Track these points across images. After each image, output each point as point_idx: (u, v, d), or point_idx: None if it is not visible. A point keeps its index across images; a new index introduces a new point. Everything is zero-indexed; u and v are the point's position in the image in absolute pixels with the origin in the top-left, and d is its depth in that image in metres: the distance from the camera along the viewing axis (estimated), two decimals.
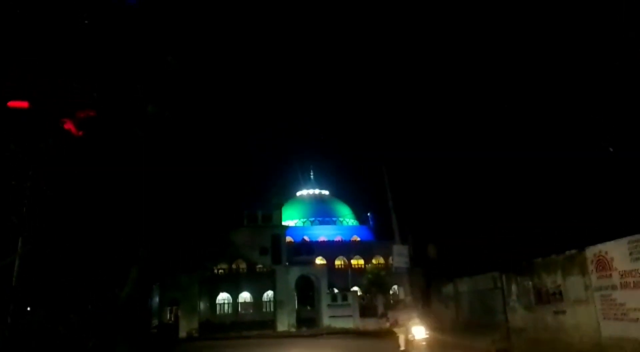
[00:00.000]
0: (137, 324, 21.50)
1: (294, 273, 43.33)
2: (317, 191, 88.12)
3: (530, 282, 15.82)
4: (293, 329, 41.32)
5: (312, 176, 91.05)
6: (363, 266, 67.79)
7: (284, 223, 45.89)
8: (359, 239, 76.20)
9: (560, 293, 14.11)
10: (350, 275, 61.05)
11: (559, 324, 14.14)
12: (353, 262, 68.67)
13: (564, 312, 13.93)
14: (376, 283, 44.86)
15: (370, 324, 41.16)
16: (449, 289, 24.31)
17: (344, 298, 43.07)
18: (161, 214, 23.27)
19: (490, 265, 20.09)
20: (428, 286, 28.01)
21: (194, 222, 34.09)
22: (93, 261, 17.49)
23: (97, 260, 17.55)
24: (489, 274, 19.39)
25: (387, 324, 39.27)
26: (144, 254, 17.45)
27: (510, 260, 18.24)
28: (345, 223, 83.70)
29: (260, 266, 46.80)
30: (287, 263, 43.85)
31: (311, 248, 45.10)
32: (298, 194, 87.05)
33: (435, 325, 26.73)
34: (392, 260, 25.45)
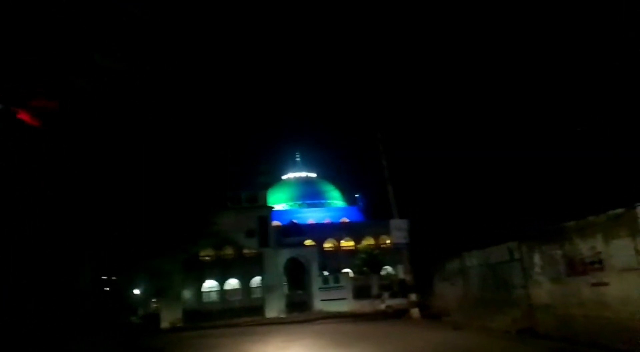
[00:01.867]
0: (104, 315, 19.11)
1: (283, 256, 40.91)
2: (304, 174, 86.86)
3: (559, 251, 13.48)
4: (283, 315, 39.05)
5: (298, 159, 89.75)
6: (354, 248, 68.07)
7: (271, 206, 43.23)
8: (348, 220, 75.22)
9: (601, 261, 11.79)
10: (342, 257, 59.59)
11: (599, 297, 11.85)
12: (343, 243, 68.44)
13: (605, 283, 11.63)
14: (369, 263, 42.70)
15: (365, 305, 39.11)
16: (454, 265, 22.05)
17: (336, 280, 40.85)
18: (131, 194, 20.74)
19: (502, 236, 17.81)
20: (430, 263, 25.80)
21: (172, 203, 31.60)
22: (45, 246, 14.79)
23: (50, 245, 14.89)
24: (503, 245, 17.08)
25: (383, 306, 37.32)
26: (105, 238, 14.81)
27: (530, 228, 15.94)
28: (333, 205, 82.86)
29: (247, 250, 44.51)
30: (275, 246, 41.31)
31: (300, 229, 42.69)
32: (285, 177, 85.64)
33: (439, 304, 24.68)
34: (391, 235, 23.12)
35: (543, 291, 14.45)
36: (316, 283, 40.75)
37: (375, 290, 40.59)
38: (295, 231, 42.16)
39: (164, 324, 36.92)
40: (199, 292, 46.99)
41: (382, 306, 37.89)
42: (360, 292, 40.26)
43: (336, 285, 40.42)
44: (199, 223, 34.06)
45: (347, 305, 39.57)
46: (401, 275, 23.93)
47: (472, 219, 23.89)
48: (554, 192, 21.28)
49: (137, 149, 20.51)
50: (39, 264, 14.54)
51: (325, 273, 42.04)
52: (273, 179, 42.03)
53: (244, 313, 39.89)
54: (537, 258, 14.65)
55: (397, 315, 27.98)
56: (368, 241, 72.96)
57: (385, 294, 38.71)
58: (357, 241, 70.42)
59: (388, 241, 71.22)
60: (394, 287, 40.06)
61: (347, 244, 72.38)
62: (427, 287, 25.52)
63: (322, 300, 40.23)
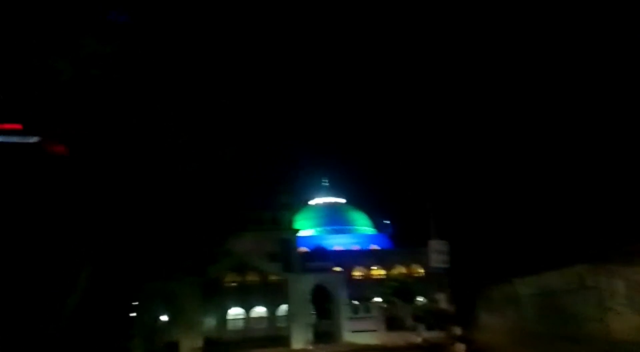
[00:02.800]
0: (99, 341, 17.05)
1: (308, 282, 38.22)
2: (331, 199, 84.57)
3: None
4: (310, 346, 36.11)
5: (326, 184, 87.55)
6: (383, 276, 65.29)
7: (295, 229, 40.90)
8: (377, 247, 72.40)
9: None
10: (370, 286, 56.33)
11: None
12: (372, 272, 65.73)
13: None
14: (401, 292, 39.55)
15: (398, 338, 35.84)
16: (502, 292, 19.11)
17: (367, 309, 37.77)
18: (141, 210, 19.02)
19: (559, 259, 14.98)
20: (472, 291, 22.79)
21: (187, 223, 29.90)
22: (32, 262, 12.87)
23: (38, 262, 12.99)
24: (568, 269, 14.22)
25: (419, 339, 34.03)
26: (99, 254, 12.84)
27: (605, 248, 13.11)
28: (361, 231, 79.86)
29: (273, 276, 42.19)
30: (299, 271, 38.74)
31: (326, 254, 40.01)
32: (312, 202, 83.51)
33: (484, 339, 21.57)
34: (429, 258, 20.33)
35: (628, 325, 11.53)
36: (344, 312, 37.77)
37: (408, 321, 37.33)
38: (321, 256, 39.59)
39: None
40: (222, 320, 44.99)
41: (418, 339, 34.65)
42: (393, 324, 37.06)
43: (366, 315, 37.33)
44: (215, 244, 32.10)
45: (377, 337, 36.38)
46: (442, 305, 20.93)
47: (521, 240, 20.92)
48: (612, 210, 18.24)
49: (156, 163, 19.16)
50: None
51: (355, 302, 39.00)
52: (296, 200, 39.85)
53: (269, 343, 37.37)
54: (620, 285, 11.78)
55: (435, 350, 24.89)
56: (398, 270, 69.80)
57: (421, 326, 35.49)
58: (387, 269, 67.47)
59: (421, 270, 67.68)
60: (430, 319, 36.79)
61: (375, 272, 69.49)
62: (469, 319, 22.48)
63: (351, 331, 37.17)
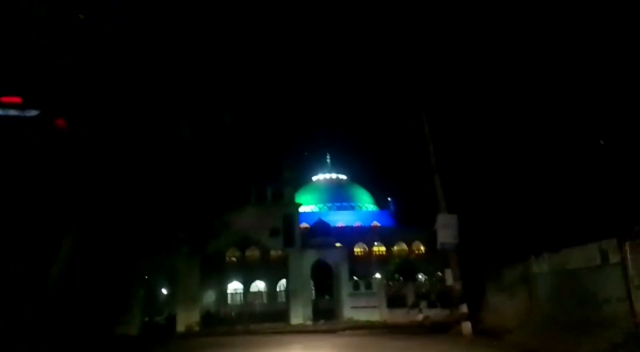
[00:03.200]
0: (87, 314, 16.37)
1: (309, 258, 37.48)
2: (334, 176, 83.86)
3: None
4: (309, 322, 35.60)
5: (328, 160, 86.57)
6: (384, 254, 63.94)
7: (297, 204, 39.96)
8: (379, 225, 71.85)
9: None
10: (372, 263, 55.95)
11: None
12: (374, 249, 64.26)
13: None
14: (404, 270, 38.83)
15: (400, 315, 35.21)
16: (515, 272, 18.16)
17: (368, 286, 37.09)
18: (133, 181, 18.21)
19: (586, 234, 13.90)
20: (482, 269, 21.86)
21: (189, 197, 29.06)
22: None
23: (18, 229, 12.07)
24: (591, 245, 13.19)
25: (420, 317, 33.38)
26: (84, 222, 11.95)
27: (630, 222, 12.01)
28: (364, 208, 79.43)
29: (273, 251, 41.65)
30: (301, 247, 37.95)
31: (328, 229, 39.18)
32: (314, 178, 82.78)
33: (494, 319, 20.75)
34: (437, 233, 19.32)
35: None
36: (346, 289, 37.12)
37: (410, 299, 36.65)
38: (322, 231, 38.74)
39: (180, 327, 34.00)
40: (222, 295, 44.67)
41: (419, 317, 33.98)
42: (395, 301, 36.37)
43: (368, 291, 36.68)
44: (215, 217, 31.25)
45: (379, 314, 35.77)
46: (449, 282, 19.97)
47: (537, 214, 19.81)
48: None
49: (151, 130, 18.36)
50: None
51: (356, 279, 38.28)
52: (299, 175, 38.88)
53: (267, 318, 36.89)
54: None
55: (439, 329, 24.14)
56: (400, 247, 69.81)
57: (423, 304, 34.81)
58: (389, 247, 66.29)
59: (422, 248, 67.75)
60: (431, 297, 36.12)
61: (377, 249, 69.29)
62: (477, 299, 21.61)
63: (351, 307, 36.56)
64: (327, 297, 40.72)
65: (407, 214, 72.74)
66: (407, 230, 63.98)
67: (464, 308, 19.36)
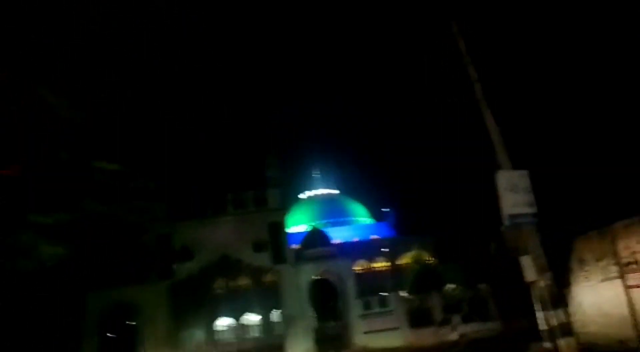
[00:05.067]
0: None
1: (305, 274, 29.85)
2: (325, 191, 78.90)
3: None
4: None
5: (317, 175, 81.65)
6: (389, 268, 59.15)
7: (283, 209, 32.52)
8: (379, 238, 66.45)
9: None
10: (377, 279, 50.37)
11: None
12: (376, 265, 59.47)
13: None
14: (425, 279, 31.39)
15: (427, 336, 27.88)
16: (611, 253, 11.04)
17: (383, 303, 29.49)
18: None
19: None
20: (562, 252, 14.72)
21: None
22: None
23: None
24: None
25: (454, 335, 25.92)
26: None
27: None
28: (360, 222, 74.37)
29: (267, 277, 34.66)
30: (294, 262, 30.39)
31: (326, 238, 31.66)
32: (303, 196, 77.39)
33: (592, 330, 13.33)
34: (501, 202, 12.22)
35: None
36: (355, 310, 29.48)
37: (438, 314, 29.23)
38: (320, 241, 31.26)
39: None
40: (210, 332, 37.75)
41: (454, 336, 26.70)
42: (418, 319, 28.90)
43: (383, 310, 29.10)
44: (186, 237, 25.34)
45: (401, 337, 28.22)
46: (530, 276, 12.46)
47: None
48: None
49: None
50: None
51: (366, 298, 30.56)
52: (284, 177, 31.47)
53: None
54: None
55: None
56: (406, 260, 65.21)
57: (456, 319, 27.54)
58: (393, 260, 61.23)
59: (429, 259, 62.66)
60: (464, 309, 28.92)
61: (380, 264, 64.39)
62: (559, 298, 14.45)
63: (364, 332, 28.93)
64: (331, 322, 33.11)
65: (408, 223, 68.28)
66: (410, 240, 59.47)
67: (560, 315, 11.99)
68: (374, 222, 76.19)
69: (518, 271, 12.27)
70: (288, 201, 31.48)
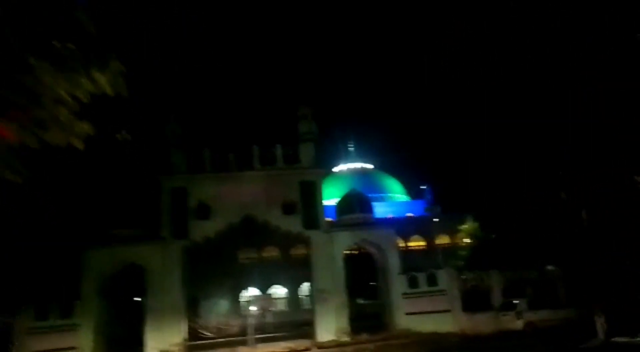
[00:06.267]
0: None
1: (342, 242, 25.56)
2: (358, 165, 75.46)
3: None
4: (345, 338, 23.79)
5: (352, 148, 78.18)
6: (425, 247, 58.01)
7: (322, 170, 28.04)
8: (414, 216, 62.60)
9: None
10: (417, 258, 46.30)
11: None
12: (411, 244, 57.73)
13: None
14: (484, 255, 26.60)
15: (484, 322, 23.36)
16: None
17: (431, 281, 24.91)
18: None
19: None
20: None
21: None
22: None
23: None
24: None
25: (519, 323, 20.96)
26: None
27: None
28: (395, 199, 70.35)
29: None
30: (328, 228, 26.12)
31: (367, 202, 27.06)
32: (336, 169, 74.21)
33: None
34: None
35: None
36: (398, 287, 25.07)
37: (497, 297, 24.52)
38: (358, 205, 26.79)
39: None
40: (235, 303, 35.56)
41: (519, 324, 22.06)
42: (472, 302, 24.28)
43: (432, 289, 24.57)
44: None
45: (452, 321, 23.71)
46: None
47: None
48: None
49: None
50: None
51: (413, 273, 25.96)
52: (318, 132, 26.78)
53: (288, 333, 26.60)
54: None
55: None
56: (442, 239, 62.29)
57: (522, 304, 22.81)
58: (429, 240, 59.27)
59: (467, 240, 59.44)
60: (527, 291, 24.23)
61: (417, 243, 61.54)
62: None
63: (407, 313, 24.57)
64: (369, 300, 28.98)
65: (448, 201, 64.84)
66: (450, 218, 55.19)
67: None
68: (409, 199, 73.04)
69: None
70: (323, 161, 27.50)
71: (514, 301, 23.03)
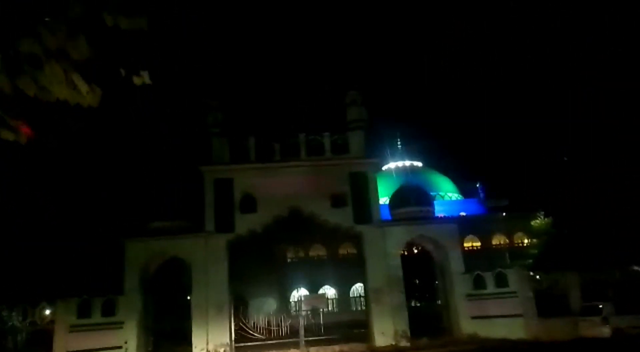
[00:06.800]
0: None
1: (398, 238, 23.44)
2: (407, 163, 72.90)
3: None
4: (405, 343, 21.64)
5: (400, 145, 75.71)
6: (478, 248, 55.96)
7: (374, 161, 25.93)
8: (466, 215, 59.84)
9: None
10: (478, 258, 43.62)
11: None
12: (466, 244, 53.69)
13: None
14: (558, 253, 23.70)
15: (561, 329, 20.56)
16: None
17: (500, 281, 22.29)
18: None
19: None
20: None
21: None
22: None
23: None
24: None
25: (606, 330, 18.23)
26: None
27: None
28: (446, 198, 67.71)
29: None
30: (381, 223, 24.06)
31: (425, 194, 24.75)
32: (384, 168, 71.95)
33: None
34: None
35: None
36: (461, 287, 22.69)
37: (576, 300, 21.65)
38: (414, 198, 24.52)
39: None
40: (284, 302, 34.61)
41: (605, 331, 19.19)
42: (547, 304, 21.50)
43: (501, 290, 21.97)
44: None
45: (523, 327, 21.04)
46: None
47: None
48: None
49: None
50: None
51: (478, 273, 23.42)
52: (368, 120, 24.67)
53: (342, 335, 25.23)
54: None
55: None
56: (499, 239, 59.55)
57: (609, 308, 19.91)
58: (485, 240, 57.59)
59: (525, 240, 57.46)
60: (608, 293, 21.27)
61: (472, 243, 59.03)
62: None
63: (472, 317, 22.13)
64: (429, 302, 26.67)
65: (502, 200, 61.91)
66: (513, 217, 54.67)
67: None
68: (462, 198, 70.08)
69: None
70: (374, 150, 25.39)
71: (599, 305, 20.11)
